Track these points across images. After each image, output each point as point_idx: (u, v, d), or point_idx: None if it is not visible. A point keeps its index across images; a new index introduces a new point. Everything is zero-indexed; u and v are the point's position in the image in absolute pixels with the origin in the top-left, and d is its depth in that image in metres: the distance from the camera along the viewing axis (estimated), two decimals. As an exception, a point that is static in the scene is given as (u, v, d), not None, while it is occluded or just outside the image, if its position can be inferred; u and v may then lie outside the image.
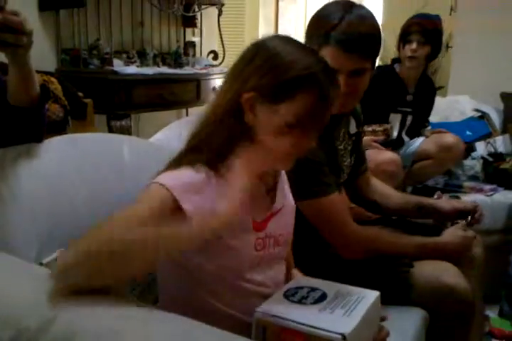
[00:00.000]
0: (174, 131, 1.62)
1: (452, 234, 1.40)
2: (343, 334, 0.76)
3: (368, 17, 1.24)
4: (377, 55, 1.29)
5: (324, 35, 1.20)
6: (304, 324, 0.79)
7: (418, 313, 1.32)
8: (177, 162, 0.85)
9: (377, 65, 1.38)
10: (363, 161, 1.55)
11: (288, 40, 0.90)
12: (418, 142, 2.35)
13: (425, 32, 2.22)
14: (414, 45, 2.21)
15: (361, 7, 1.26)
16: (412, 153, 2.33)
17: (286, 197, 1.00)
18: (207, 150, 0.84)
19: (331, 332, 0.77)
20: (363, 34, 1.21)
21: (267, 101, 0.84)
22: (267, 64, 0.85)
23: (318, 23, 1.24)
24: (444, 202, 1.60)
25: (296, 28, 6.10)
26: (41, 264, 0.89)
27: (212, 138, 0.85)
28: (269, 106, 0.84)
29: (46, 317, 0.64)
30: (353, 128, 1.46)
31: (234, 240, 0.86)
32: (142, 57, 3.00)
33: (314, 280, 0.95)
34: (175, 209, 0.76)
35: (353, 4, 1.25)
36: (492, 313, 2.10)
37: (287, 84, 0.84)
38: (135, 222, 0.70)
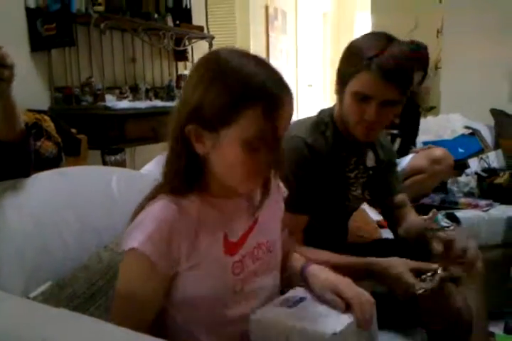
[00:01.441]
0: (164, 161, 1.64)
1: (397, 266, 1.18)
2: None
3: (407, 51, 1.28)
4: (409, 89, 1.30)
5: (365, 61, 1.21)
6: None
7: (417, 333, 1.31)
8: (150, 196, 0.89)
9: None
10: (388, 194, 1.52)
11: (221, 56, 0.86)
12: (407, 159, 2.37)
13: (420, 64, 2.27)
14: None
15: (401, 42, 1.29)
16: (402, 169, 2.34)
17: (274, 202, 1.00)
18: (169, 181, 0.86)
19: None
20: (404, 66, 1.24)
21: (209, 130, 0.82)
22: (207, 82, 0.82)
23: (359, 50, 1.25)
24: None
25: (287, 58, 6.23)
26: (28, 298, 0.89)
27: (171, 169, 0.87)
28: (214, 135, 0.82)
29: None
30: (370, 161, 1.45)
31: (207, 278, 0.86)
32: (135, 91, 3.06)
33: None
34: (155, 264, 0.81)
35: (394, 38, 1.28)
36: (497, 330, 2.07)
37: (227, 106, 0.80)
38: (136, 306, 0.80)
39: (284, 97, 0.82)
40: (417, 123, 2.54)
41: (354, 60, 1.24)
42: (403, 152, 2.44)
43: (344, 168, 1.39)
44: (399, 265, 1.17)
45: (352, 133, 1.33)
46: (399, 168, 2.35)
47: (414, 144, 2.55)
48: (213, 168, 0.86)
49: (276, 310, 0.88)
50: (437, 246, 1.19)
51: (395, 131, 2.37)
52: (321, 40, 7.23)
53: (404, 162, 2.37)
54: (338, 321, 0.85)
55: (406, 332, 1.29)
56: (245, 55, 0.85)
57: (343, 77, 1.28)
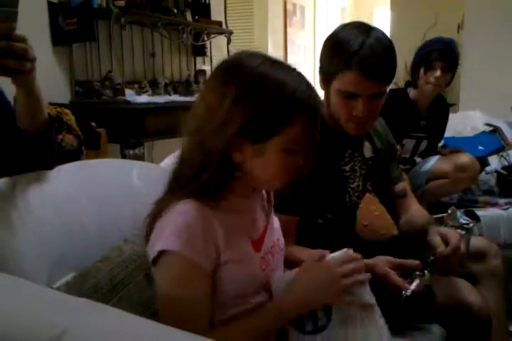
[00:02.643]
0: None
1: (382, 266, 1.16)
2: None
3: (386, 41, 1.25)
4: (393, 78, 1.29)
5: (346, 60, 1.19)
6: None
7: (436, 331, 1.30)
8: (166, 199, 0.88)
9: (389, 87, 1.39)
10: (389, 183, 1.51)
11: (262, 59, 0.85)
12: (433, 161, 2.32)
13: (450, 60, 2.17)
14: (438, 73, 2.14)
15: (378, 30, 1.26)
16: (426, 171, 2.31)
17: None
18: (199, 189, 0.84)
19: None
20: (385, 60, 1.22)
21: (254, 142, 0.82)
22: (249, 98, 0.81)
23: (338, 48, 1.23)
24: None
25: (305, 53, 6.20)
26: (52, 289, 0.91)
27: (202, 179, 0.84)
28: (258, 145, 0.83)
29: (55, 333, 0.65)
30: (368, 152, 1.44)
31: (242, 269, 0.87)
32: (154, 86, 3.08)
33: None
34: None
35: (371, 28, 1.25)
36: (516, 329, 2.04)
37: (276, 119, 0.81)
38: (197, 306, 0.80)
39: (319, 106, 0.87)
40: (445, 124, 2.47)
41: (334, 57, 1.22)
42: (428, 153, 2.39)
43: (339, 162, 1.38)
44: (384, 264, 1.16)
45: (344, 128, 1.32)
46: (423, 168, 2.33)
47: (440, 144, 2.49)
48: (249, 173, 0.86)
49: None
50: (435, 241, 1.19)
51: (422, 134, 2.31)
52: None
53: (430, 163, 2.32)
54: None
55: (424, 329, 1.29)
56: (277, 64, 0.85)
57: (327, 75, 1.26)
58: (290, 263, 1.13)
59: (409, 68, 2.32)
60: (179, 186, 0.88)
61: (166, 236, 0.81)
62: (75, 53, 2.73)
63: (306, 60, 6.16)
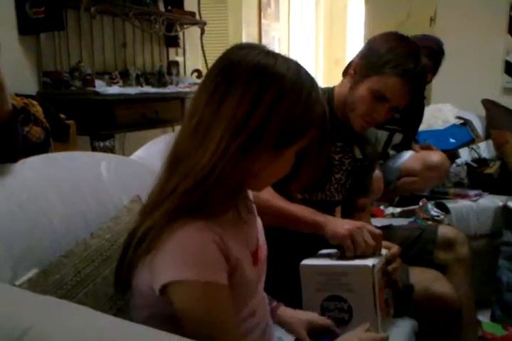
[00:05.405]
0: (155, 148, 1.63)
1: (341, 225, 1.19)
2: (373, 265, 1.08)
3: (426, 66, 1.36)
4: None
5: (402, 68, 1.26)
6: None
7: (408, 323, 1.32)
8: (169, 224, 0.77)
9: None
10: (359, 194, 1.53)
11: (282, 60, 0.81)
12: (405, 157, 2.32)
13: (433, 55, 2.18)
14: None
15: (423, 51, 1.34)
16: (397, 168, 2.31)
17: None
18: (208, 207, 0.77)
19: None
20: (425, 83, 1.35)
21: (274, 151, 0.79)
22: (284, 106, 0.76)
23: (400, 53, 1.29)
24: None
25: (280, 46, 6.18)
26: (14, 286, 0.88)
27: (213, 194, 0.77)
28: (274, 153, 0.79)
29: (19, 331, 0.63)
30: (357, 153, 1.47)
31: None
32: (125, 77, 3.02)
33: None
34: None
35: (419, 48, 1.33)
36: (484, 318, 2.09)
37: (300, 129, 0.79)
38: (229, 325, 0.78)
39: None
40: (420, 118, 2.48)
41: (392, 58, 1.27)
42: (402, 147, 2.40)
43: (330, 147, 1.39)
44: (344, 223, 1.20)
45: (347, 119, 1.34)
46: (395, 165, 2.33)
47: (414, 138, 2.49)
48: (254, 178, 0.82)
49: (320, 260, 1.16)
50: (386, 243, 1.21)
51: (395, 127, 2.32)
52: (313, 28, 7.17)
53: (401, 160, 2.32)
54: (371, 259, 1.10)
55: (394, 323, 1.29)
56: (301, 69, 0.82)
57: (369, 68, 1.30)
58: (286, 219, 1.18)
59: None
60: (171, 196, 0.78)
61: (184, 266, 0.75)
62: (43, 43, 2.65)
63: (280, 52, 6.14)
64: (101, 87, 2.60)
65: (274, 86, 0.77)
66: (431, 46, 2.18)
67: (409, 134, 2.42)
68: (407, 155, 2.35)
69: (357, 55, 1.36)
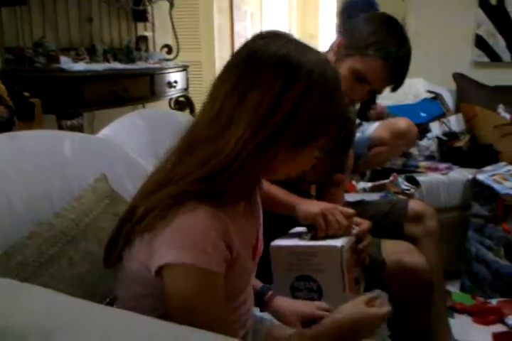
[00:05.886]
0: (123, 126, 1.59)
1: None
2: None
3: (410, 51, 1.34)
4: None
5: (384, 51, 1.26)
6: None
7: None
8: (165, 201, 0.76)
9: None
10: (338, 169, 1.54)
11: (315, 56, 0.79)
12: (372, 128, 2.33)
13: None
14: None
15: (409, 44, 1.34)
16: (366, 139, 2.31)
17: None
18: (222, 195, 0.76)
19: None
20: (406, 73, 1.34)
21: (295, 147, 0.79)
22: (313, 101, 0.76)
23: (383, 35, 1.28)
24: None
25: (252, 21, 6.08)
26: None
27: (229, 185, 0.76)
28: (295, 150, 0.79)
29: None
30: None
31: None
32: (92, 53, 2.93)
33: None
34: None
35: (405, 38, 1.32)
36: (454, 288, 2.14)
37: (322, 128, 0.79)
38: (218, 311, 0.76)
39: None
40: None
41: (376, 40, 1.27)
42: (361, 114, 2.38)
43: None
44: (316, 204, 1.23)
45: None
46: (364, 136, 2.33)
47: (373, 104, 2.48)
48: (273, 172, 0.83)
49: (290, 240, 1.18)
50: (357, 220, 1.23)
51: None
52: (286, 2, 7.07)
53: (369, 131, 2.32)
54: (340, 240, 1.13)
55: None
56: (327, 61, 0.81)
57: (352, 47, 1.29)
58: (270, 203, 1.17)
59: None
60: (179, 181, 0.76)
61: (182, 249, 0.73)
62: (4, 17, 2.54)
63: (253, 27, 6.04)
64: (66, 63, 2.52)
65: (300, 83, 0.75)
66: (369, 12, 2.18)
67: (369, 100, 2.41)
68: (374, 125, 2.35)
69: (340, 32, 1.36)
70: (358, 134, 2.35)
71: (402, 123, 2.28)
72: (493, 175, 2.16)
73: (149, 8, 3.63)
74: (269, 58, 0.76)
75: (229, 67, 0.81)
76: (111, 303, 0.93)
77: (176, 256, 0.73)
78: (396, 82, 1.32)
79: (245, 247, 0.83)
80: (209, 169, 0.75)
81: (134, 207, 0.80)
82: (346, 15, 2.29)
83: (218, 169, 0.75)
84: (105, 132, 1.55)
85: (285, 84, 0.74)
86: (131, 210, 0.81)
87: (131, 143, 1.49)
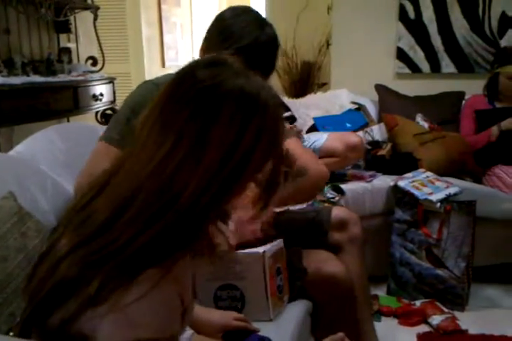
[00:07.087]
0: (37, 142, 1.52)
1: None
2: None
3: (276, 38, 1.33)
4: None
5: (239, 44, 1.26)
6: None
7: (301, 304, 1.34)
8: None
9: None
10: None
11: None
12: (323, 139, 2.36)
13: None
14: None
15: (271, 27, 1.33)
16: (317, 149, 2.33)
17: None
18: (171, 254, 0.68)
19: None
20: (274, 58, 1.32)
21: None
22: (268, 136, 0.71)
23: (228, 33, 1.30)
24: None
25: (182, 32, 6.05)
26: None
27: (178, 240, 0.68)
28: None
29: None
30: None
31: None
32: (10, 66, 2.81)
33: None
34: None
35: (265, 23, 1.32)
36: (381, 292, 2.21)
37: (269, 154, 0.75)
38: None
39: None
40: None
41: (222, 42, 1.29)
42: None
43: None
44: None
45: None
46: (314, 146, 2.35)
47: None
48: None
49: None
50: None
51: None
52: (217, 12, 7.11)
53: (320, 142, 2.35)
54: (263, 247, 1.15)
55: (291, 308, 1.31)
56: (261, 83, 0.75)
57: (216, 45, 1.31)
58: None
59: None
60: (124, 250, 0.65)
61: (143, 325, 0.65)
62: None
63: (183, 39, 6.02)
64: (-19, 76, 2.39)
65: (257, 118, 0.70)
66: None
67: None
68: (324, 136, 2.39)
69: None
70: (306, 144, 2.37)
71: (353, 136, 2.35)
72: (413, 181, 2.25)
73: (72, 19, 3.54)
74: (224, 96, 0.70)
75: (171, 100, 0.71)
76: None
77: (137, 332, 0.65)
78: (269, 72, 1.33)
79: (189, 292, 0.79)
80: (158, 229, 0.66)
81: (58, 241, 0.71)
82: None
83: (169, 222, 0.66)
84: (18, 149, 1.49)
85: (246, 120, 0.69)
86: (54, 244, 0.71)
87: (46, 159, 1.43)
